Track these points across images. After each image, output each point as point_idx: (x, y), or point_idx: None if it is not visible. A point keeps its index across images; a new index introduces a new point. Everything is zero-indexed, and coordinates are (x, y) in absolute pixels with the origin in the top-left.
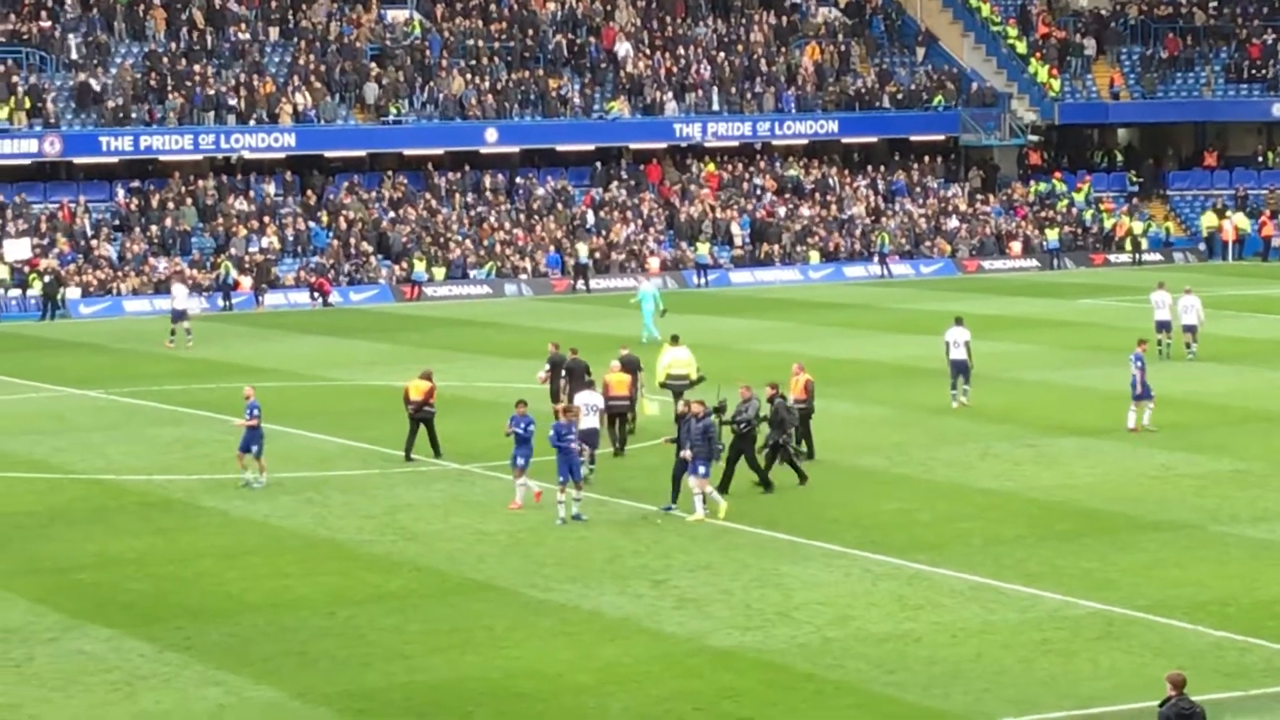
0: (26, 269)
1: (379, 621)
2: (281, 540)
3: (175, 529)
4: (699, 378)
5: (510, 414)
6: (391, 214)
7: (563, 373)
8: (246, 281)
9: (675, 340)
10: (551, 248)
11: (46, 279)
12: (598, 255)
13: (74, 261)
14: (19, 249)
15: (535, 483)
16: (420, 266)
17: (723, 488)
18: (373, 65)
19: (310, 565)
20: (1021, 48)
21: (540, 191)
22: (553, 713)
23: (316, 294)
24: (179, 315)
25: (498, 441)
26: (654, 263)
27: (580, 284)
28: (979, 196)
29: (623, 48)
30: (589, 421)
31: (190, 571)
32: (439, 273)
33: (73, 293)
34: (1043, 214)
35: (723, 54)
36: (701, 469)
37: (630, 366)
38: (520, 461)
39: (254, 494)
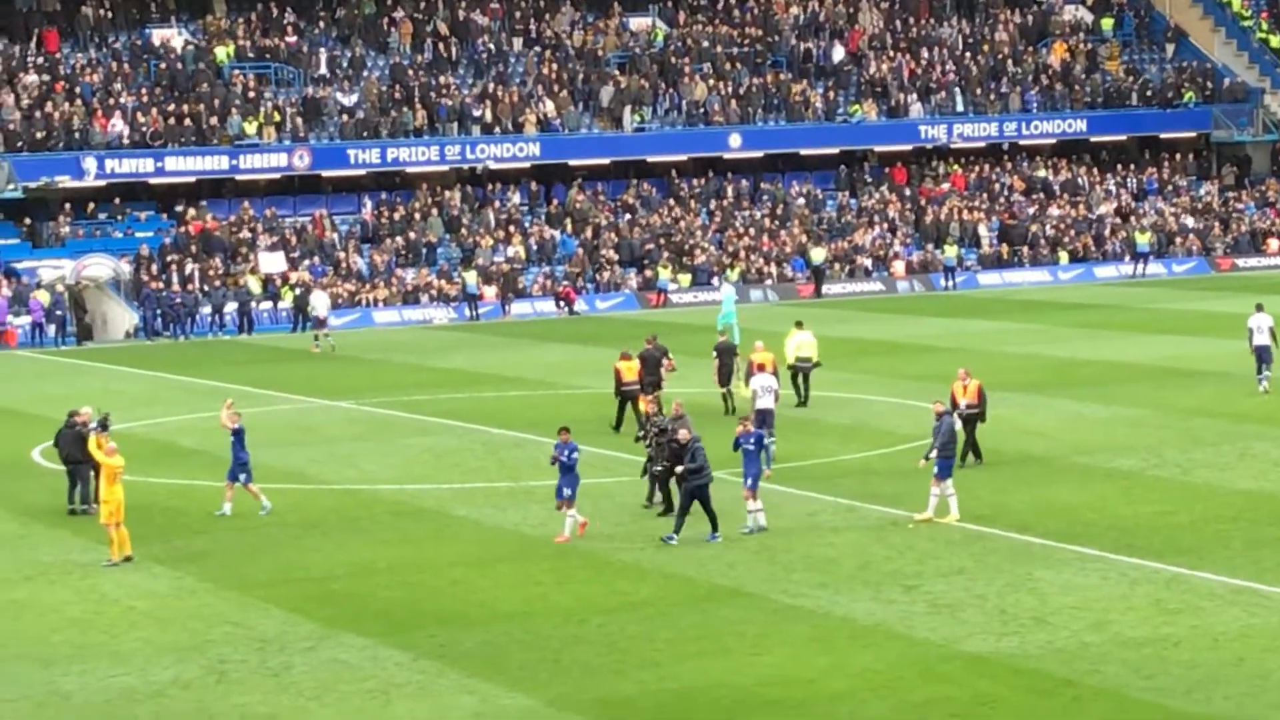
0: (278, 281)
1: (630, 629)
2: (533, 548)
3: (427, 538)
4: (818, 361)
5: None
6: (628, 217)
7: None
8: (491, 291)
9: (800, 325)
10: (796, 252)
11: (297, 291)
12: (837, 260)
13: (324, 274)
14: (274, 261)
15: (579, 515)
16: (665, 273)
17: (667, 506)
18: (616, 72)
19: (561, 573)
20: (1275, 41)
21: (796, 194)
22: None
23: (562, 302)
24: (319, 323)
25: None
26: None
27: (819, 288)
28: (1232, 194)
29: (861, 51)
30: (764, 402)
31: (443, 580)
32: (684, 279)
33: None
34: None
35: (968, 54)
36: (939, 470)
37: (726, 352)
38: (567, 492)
39: (504, 502)
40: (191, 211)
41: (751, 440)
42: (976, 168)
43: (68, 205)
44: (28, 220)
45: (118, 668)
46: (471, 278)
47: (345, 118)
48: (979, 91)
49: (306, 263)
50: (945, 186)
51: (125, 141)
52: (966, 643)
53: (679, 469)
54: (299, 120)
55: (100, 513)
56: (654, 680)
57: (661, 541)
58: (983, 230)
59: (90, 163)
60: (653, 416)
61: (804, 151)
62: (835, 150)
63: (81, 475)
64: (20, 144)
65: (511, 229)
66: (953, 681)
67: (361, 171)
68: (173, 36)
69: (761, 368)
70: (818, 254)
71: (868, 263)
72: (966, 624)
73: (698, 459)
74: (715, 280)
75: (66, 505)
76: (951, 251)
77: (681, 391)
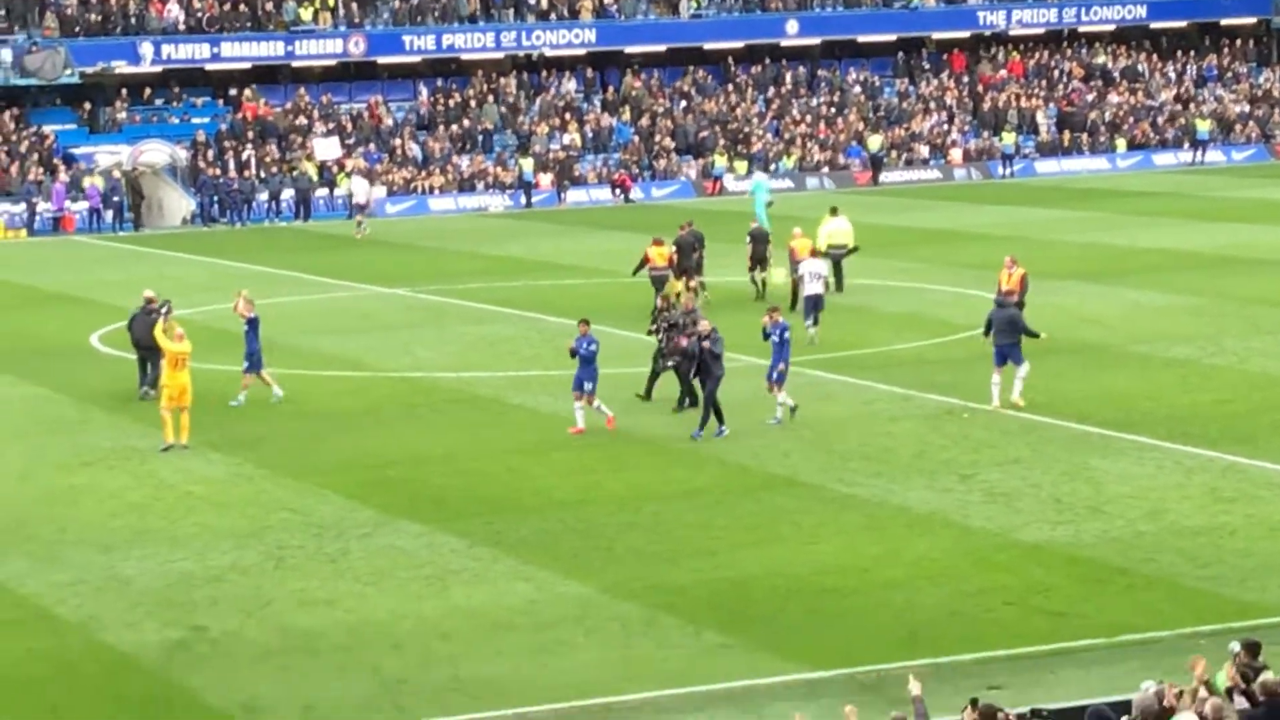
0: (335, 168)
1: (685, 517)
2: (587, 436)
3: (483, 425)
4: (854, 247)
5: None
6: (684, 105)
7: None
8: (546, 178)
9: (834, 211)
10: (853, 140)
11: (353, 178)
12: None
13: (380, 161)
14: (328, 148)
15: (606, 408)
16: (720, 161)
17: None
18: None
19: (616, 461)
20: None
21: (853, 81)
22: (862, 608)
23: (618, 190)
24: (359, 208)
25: (794, 338)
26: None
27: (876, 176)
28: None
29: None
30: (814, 288)
31: (499, 467)
32: (740, 167)
33: (379, 191)
34: None
35: None
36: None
37: (759, 238)
38: (588, 385)
39: (559, 390)
40: (247, 93)
41: (778, 331)
42: (1035, 54)
43: (124, 91)
44: (85, 105)
45: (176, 552)
46: (528, 165)
47: (400, 4)
48: None
49: (361, 150)
50: (1003, 73)
51: (181, 27)
52: (1022, 531)
53: (703, 340)
54: (354, 6)
55: (161, 397)
56: (709, 568)
57: (714, 437)
58: (1041, 117)
59: (147, 48)
60: (664, 310)
61: (861, 38)
62: (893, 37)
63: (151, 360)
64: (77, 29)
65: (568, 116)
66: (1008, 570)
67: (417, 58)
68: None
69: (815, 253)
70: (875, 142)
71: (925, 150)
72: (1022, 513)
73: (718, 348)
74: (773, 168)
75: (138, 390)
76: (1009, 139)
77: (715, 280)
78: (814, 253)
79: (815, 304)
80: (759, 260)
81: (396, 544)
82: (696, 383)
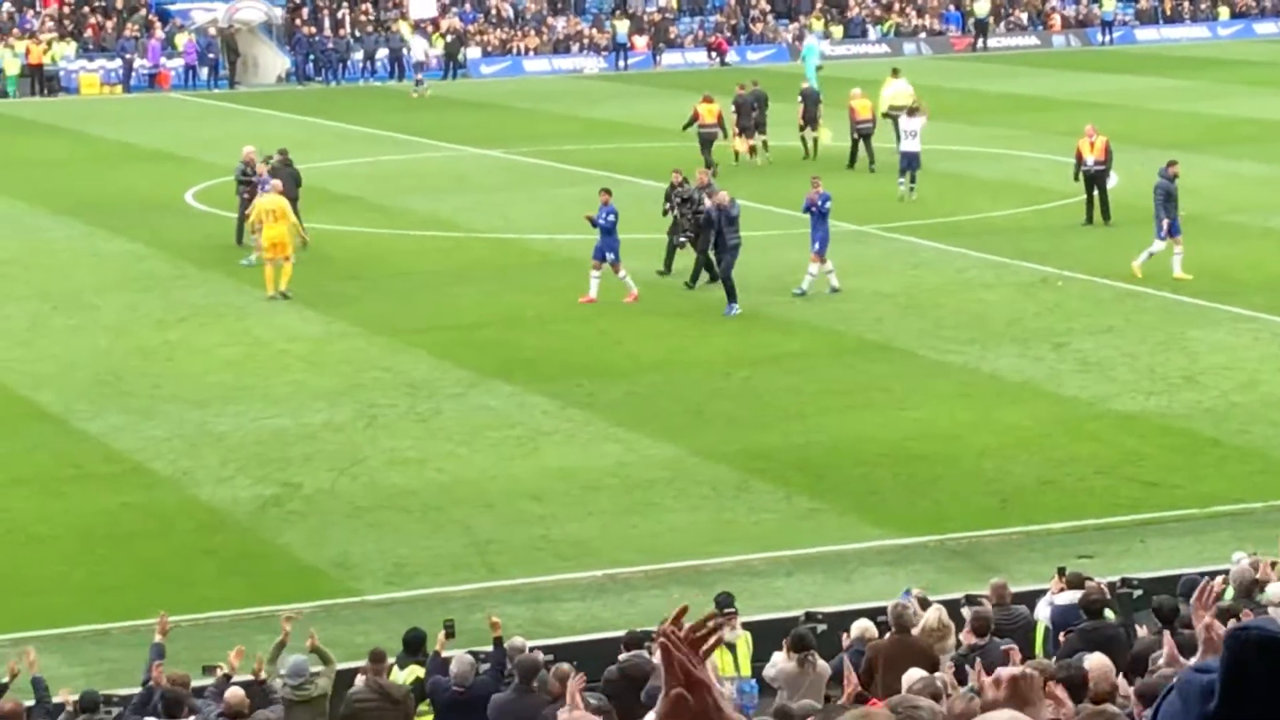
0: (429, 28)
1: (775, 382)
2: (678, 301)
3: (574, 288)
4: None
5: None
6: None
7: (733, 108)
8: (642, 41)
9: (896, 73)
10: (950, 4)
11: (448, 38)
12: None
13: (475, 20)
14: (423, 7)
15: (631, 283)
16: (817, 25)
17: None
18: None
19: (706, 326)
20: None
21: None
22: (952, 475)
23: (714, 53)
24: (418, 66)
25: (887, 204)
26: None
27: (980, 42)
28: None
29: None
30: (910, 145)
31: (591, 330)
32: (836, 32)
33: (473, 52)
34: None
35: None
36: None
37: (812, 99)
38: (610, 255)
39: (650, 255)
40: None
41: (821, 201)
42: None
43: None
44: None
45: (270, 409)
46: (623, 27)
47: None
48: None
49: (456, 9)
50: None
51: None
52: (1115, 401)
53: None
54: None
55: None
56: (799, 433)
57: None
58: None
59: None
60: (678, 185)
61: None
62: None
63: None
64: None
65: None
66: (1100, 439)
67: None
68: None
69: (914, 111)
70: (981, 7)
71: (1024, 17)
72: (1115, 382)
73: (734, 210)
74: (870, 31)
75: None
76: (1110, 5)
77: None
78: (911, 111)
79: (910, 161)
80: (809, 120)
81: (488, 404)
82: (712, 256)
